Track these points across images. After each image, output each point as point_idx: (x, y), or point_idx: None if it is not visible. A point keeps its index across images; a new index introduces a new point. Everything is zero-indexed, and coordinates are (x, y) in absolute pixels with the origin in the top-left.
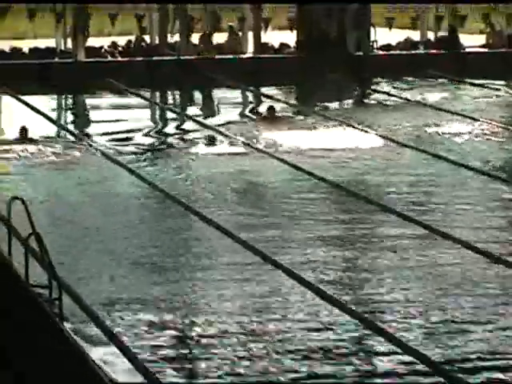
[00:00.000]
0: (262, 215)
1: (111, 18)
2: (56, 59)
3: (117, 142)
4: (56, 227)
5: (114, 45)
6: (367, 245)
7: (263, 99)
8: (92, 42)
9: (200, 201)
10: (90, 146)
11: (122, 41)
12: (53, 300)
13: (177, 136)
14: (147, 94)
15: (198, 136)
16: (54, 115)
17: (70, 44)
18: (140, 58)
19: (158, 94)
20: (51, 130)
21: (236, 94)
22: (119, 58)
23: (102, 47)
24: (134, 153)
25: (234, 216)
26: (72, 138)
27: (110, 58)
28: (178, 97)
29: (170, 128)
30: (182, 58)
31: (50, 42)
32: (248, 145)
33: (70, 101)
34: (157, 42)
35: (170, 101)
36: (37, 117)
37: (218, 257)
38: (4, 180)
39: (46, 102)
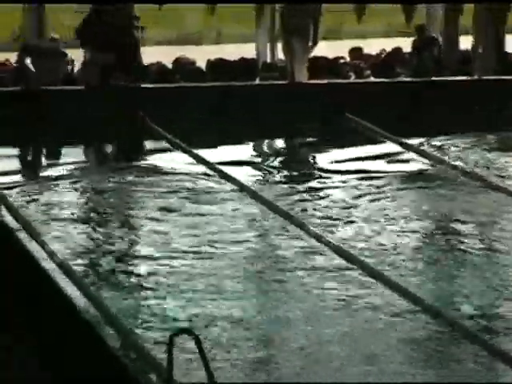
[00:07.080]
0: None
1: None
2: (257, 80)
3: None
4: None
5: (355, 53)
6: None
7: None
8: (321, 47)
9: None
10: None
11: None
12: None
13: None
14: None
15: None
16: None
17: (280, 53)
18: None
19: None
20: None
21: None
22: (371, 78)
23: (339, 58)
24: None
25: None
26: None
27: (352, 79)
28: None
29: None
30: None
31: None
32: None
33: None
34: None
35: None
36: None
37: None
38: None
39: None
